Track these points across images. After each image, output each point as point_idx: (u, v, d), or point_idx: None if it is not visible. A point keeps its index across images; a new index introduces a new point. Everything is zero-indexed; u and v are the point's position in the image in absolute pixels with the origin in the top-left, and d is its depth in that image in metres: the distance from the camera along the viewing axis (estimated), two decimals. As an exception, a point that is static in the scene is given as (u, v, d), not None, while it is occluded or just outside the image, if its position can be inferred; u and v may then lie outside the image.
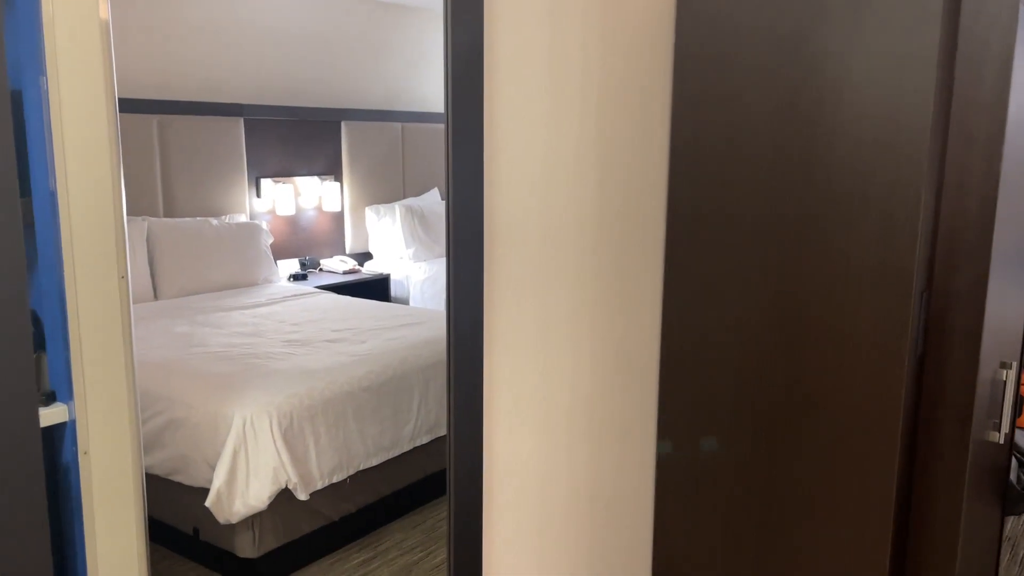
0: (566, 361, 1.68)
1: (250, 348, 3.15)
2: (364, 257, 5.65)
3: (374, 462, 2.92)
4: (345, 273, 5.16)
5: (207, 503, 2.50)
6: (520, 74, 1.44)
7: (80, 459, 1.66)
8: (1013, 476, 2.20)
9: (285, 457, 2.55)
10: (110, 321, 1.67)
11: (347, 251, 5.58)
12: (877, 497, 1.65)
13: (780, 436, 1.74)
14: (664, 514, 1.95)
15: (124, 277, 1.71)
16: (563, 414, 1.69)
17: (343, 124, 5.36)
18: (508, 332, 1.50)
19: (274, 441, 2.54)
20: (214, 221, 4.41)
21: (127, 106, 4.16)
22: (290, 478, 2.56)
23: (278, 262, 5.01)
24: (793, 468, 1.74)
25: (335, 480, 2.76)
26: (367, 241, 5.66)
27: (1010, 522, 3.32)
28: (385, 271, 5.34)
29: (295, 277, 4.92)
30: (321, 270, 5.22)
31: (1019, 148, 1.69)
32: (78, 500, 1.68)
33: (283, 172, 5.07)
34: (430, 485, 3.32)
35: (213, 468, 2.55)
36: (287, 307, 3.98)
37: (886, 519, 1.66)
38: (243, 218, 4.72)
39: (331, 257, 5.39)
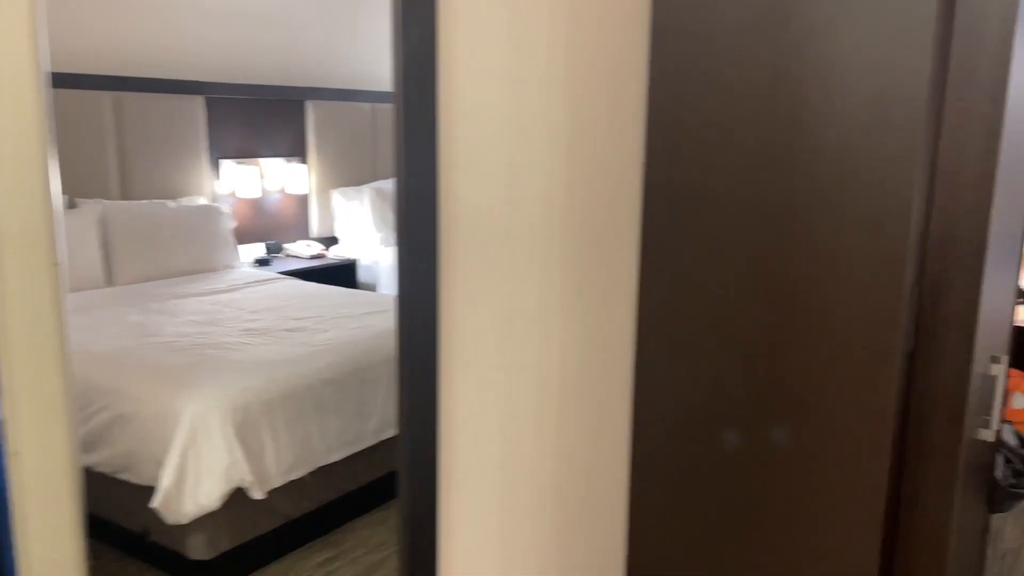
0: (533, 357, 1.56)
1: (205, 338, 3.00)
2: (330, 242, 5.49)
3: (336, 458, 2.79)
4: (311, 258, 5.00)
5: (154, 504, 2.36)
6: (480, 48, 1.32)
7: (10, 461, 1.54)
8: (998, 473, 2.13)
9: (239, 454, 2.42)
10: (41, 312, 1.54)
11: (313, 235, 5.41)
12: (866, 499, 1.55)
13: (762, 439, 1.64)
14: (639, 517, 1.84)
15: (57, 264, 1.58)
16: (530, 414, 1.58)
17: (309, 104, 5.18)
18: (467, 327, 1.38)
19: (227, 438, 2.41)
20: (171, 204, 4.23)
21: (78, 82, 3.96)
22: (244, 476, 2.43)
23: (241, 247, 4.84)
24: (777, 468, 1.64)
25: (293, 477, 2.63)
26: (333, 225, 5.50)
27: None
28: (352, 256, 5.19)
29: (258, 262, 4.76)
30: (286, 255, 5.06)
31: (1016, 131, 1.60)
32: (7, 504, 1.57)
33: (246, 153, 4.89)
34: (397, 481, 3.20)
35: (162, 466, 2.40)
36: (247, 294, 3.82)
37: (875, 522, 1.56)
38: (203, 201, 4.54)
39: (296, 241, 5.22)
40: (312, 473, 2.75)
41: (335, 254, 5.20)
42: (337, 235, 5.45)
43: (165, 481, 2.35)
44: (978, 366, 1.65)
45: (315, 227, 5.40)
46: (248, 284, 4.03)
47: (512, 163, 1.42)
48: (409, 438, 1.27)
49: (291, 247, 5.07)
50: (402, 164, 1.07)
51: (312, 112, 5.20)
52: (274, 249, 4.99)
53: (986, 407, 1.81)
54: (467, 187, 1.33)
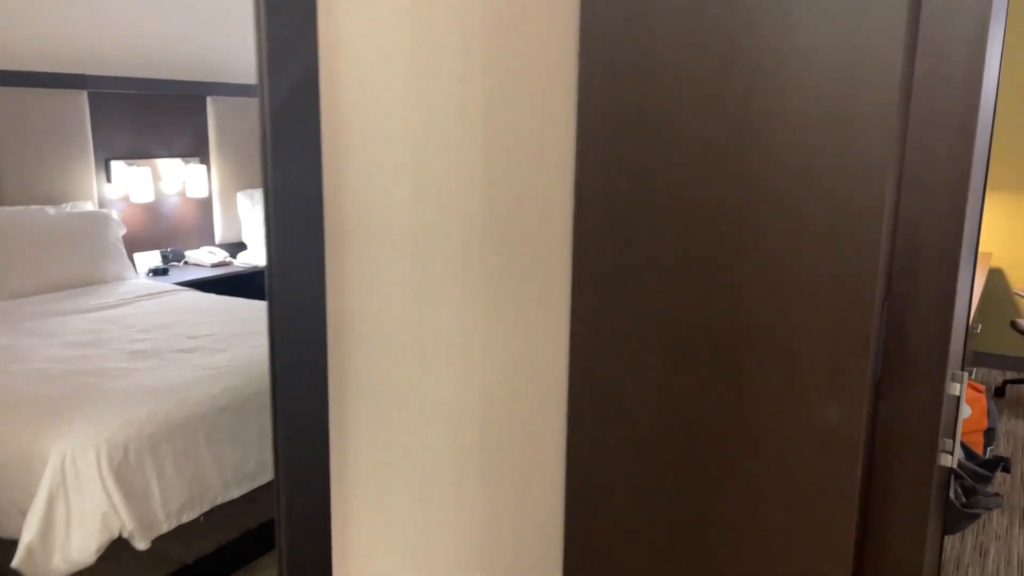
0: (451, 390, 1.33)
1: (84, 362, 2.65)
2: (238, 248, 5.12)
3: (236, 494, 2.50)
4: (214, 266, 4.64)
5: (14, 563, 2.03)
6: (375, 25, 1.07)
7: None
8: (951, 492, 2.00)
9: (117, 499, 2.11)
10: None
11: (217, 241, 5.04)
12: (833, 537, 1.38)
13: (714, 476, 1.44)
14: (576, 569, 1.63)
15: None
16: (448, 457, 1.34)
17: (209, 99, 4.81)
18: (366, 356, 1.13)
19: (103, 481, 2.09)
20: (51, 210, 3.82)
21: (-61, 75, 3.53)
22: (125, 524, 2.12)
23: (135, 255, 4.44)
24: (729, 515, 1.44)
25: (185, 520, 2.32)
26: (240, 230, 5.13)
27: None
28: (261, 263, 4.84)
29: (155, 272, 4.38)
30: (186, 263, 4.68)
31: (983, 128, 1.44)
32: None
33: (138, 153, 4.50)
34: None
35: (25, 517, 2.08)
36: (139, 309, 3.47)
37: (844, 560, 1.39)
38: (90, 206, 4.14)
39: (198, 248, 4.85)
40: (208, 512, 2.45)
41: (243, 261, 4.85)
42: (245, 241, 5.09)
43: (27, 536, 2.03)
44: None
45: (220, 232, 5.03)
46: (140, 298, 3.67)
47: (421, 163, 1.19)
48: (291, 498, 1.02)
49: (193, 255, 4.70)
50: (270, 166, 0.82)
51: (213, 108, 4.83)
52: (174, 257, 4.61)
53: (948, 430, 1.67)
54: (362, 191, 1.08)
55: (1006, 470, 2.14)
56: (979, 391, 2.53)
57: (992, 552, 3.08)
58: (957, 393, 1.62)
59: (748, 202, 1.34)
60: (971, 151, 1.28)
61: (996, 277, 5.26)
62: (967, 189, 1.29)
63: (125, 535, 2.15)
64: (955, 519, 1.98)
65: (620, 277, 1.48)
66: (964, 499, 2.06)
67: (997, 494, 2.06)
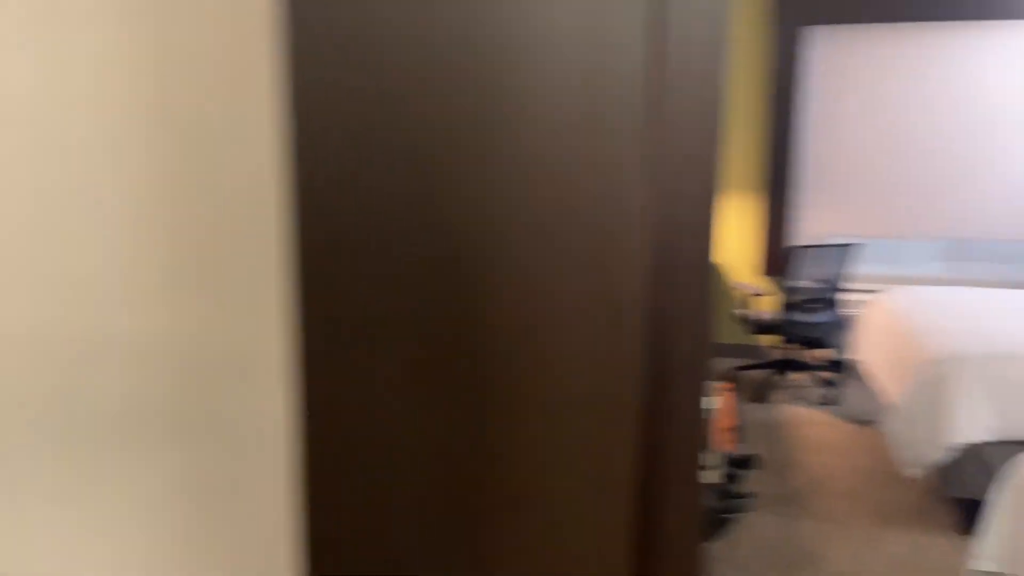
0: (128, 509, 1.03)
1: None
2: None
3: None
4: None
5: None
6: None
7: None
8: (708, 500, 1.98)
9: None
10: None
11: None
12: (601, 595, 1.24)
13: (476, 531, 1.25)
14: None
15: None
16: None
17: None
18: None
19: None
20: None
21: None
22: None
23: None
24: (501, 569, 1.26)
25: None
26: None
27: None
28: None
29: None
30: None
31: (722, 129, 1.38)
32: None
33: None
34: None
35: None
36: None
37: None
38: None
39: None
40: None
41: None
42: None
43: None
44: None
45: None
46: None
47: (72, 181, 0.88)
48: None
49: None
50: None
51: None
52: None
53: (706, 444, 1.62)
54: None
55: (757, 467, 2.17)
56: (727, 388, 2.59)
57: (742, 542, 3.22)
58: (714, 405, 1.57)
59: (492, 229, 1.16)
60: (717, 154, 1.20)
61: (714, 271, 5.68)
62: (712, 198, 1.21)
63: None
64: (714, 527, 1.96)
65: (355, 313, 1.24)
66: (720, 504, 2.06)
67: (750, 494, 2.08)
